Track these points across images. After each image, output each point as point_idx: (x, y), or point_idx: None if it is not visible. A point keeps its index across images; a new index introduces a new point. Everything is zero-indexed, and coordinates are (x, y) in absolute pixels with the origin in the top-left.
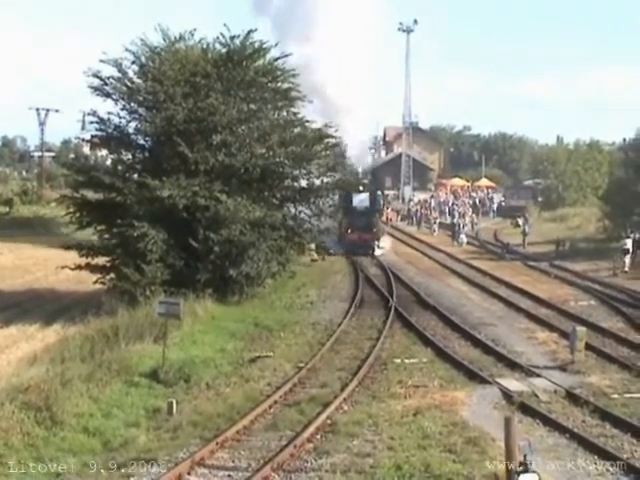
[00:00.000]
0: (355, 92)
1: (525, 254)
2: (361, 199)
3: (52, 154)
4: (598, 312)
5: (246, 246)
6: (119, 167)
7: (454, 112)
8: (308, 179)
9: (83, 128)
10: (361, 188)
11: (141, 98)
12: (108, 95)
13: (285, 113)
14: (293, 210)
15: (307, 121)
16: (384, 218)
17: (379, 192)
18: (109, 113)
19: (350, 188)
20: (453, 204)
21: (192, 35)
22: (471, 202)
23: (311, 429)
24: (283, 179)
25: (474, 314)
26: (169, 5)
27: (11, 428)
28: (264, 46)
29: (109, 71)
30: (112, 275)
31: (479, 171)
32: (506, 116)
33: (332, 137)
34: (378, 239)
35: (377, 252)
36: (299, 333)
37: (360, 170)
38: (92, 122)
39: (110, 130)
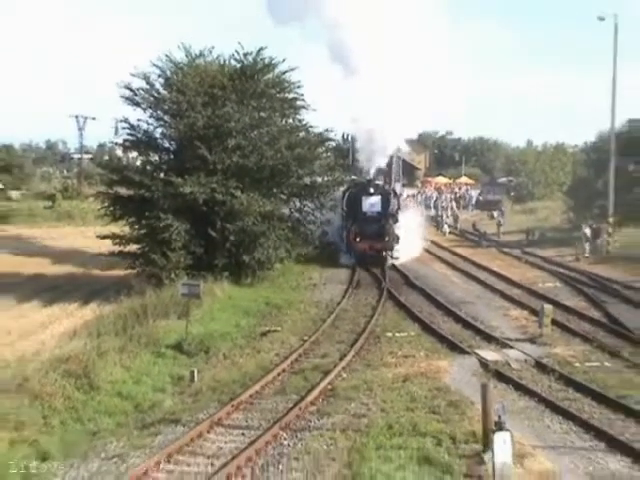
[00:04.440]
0: None
1: (500, 242)
2: (372, 203)
3: (89, 156)
4: (563, 292)
5: (258, 235)
6: (147, 167)
7: (437, 119)
8: (311, 177)
9: (116, 133)
10: (372, 190)
11: (166, 107)
12: (137, 104)
13: (291, 120)
14: (298, 204)
15: (310, 126)
16: None
17: (393, 193)
18: (138, 120)
19: (351, 186)
20: (437, 199)
21: (210, 52)
22: (453, 197)
23: (314, 393)
24: (289, 177)
25: (456, 294)
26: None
27: (54, 393)
28: (273, 62)
29: (138, 83)
30: (141, 261)
31: (460, 170)
32: (483, 121)
33: (332, 140)
34: (391, 248)
35: (393, 262)
36: (304, 310)
37: (372, 170)
38: (124, 128)
39: (139, 135)
